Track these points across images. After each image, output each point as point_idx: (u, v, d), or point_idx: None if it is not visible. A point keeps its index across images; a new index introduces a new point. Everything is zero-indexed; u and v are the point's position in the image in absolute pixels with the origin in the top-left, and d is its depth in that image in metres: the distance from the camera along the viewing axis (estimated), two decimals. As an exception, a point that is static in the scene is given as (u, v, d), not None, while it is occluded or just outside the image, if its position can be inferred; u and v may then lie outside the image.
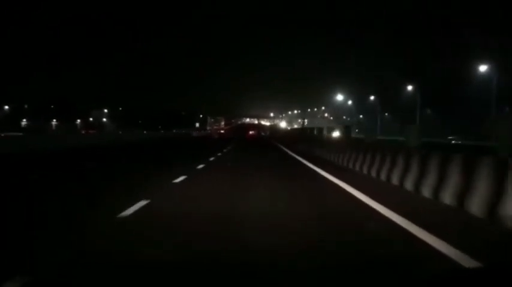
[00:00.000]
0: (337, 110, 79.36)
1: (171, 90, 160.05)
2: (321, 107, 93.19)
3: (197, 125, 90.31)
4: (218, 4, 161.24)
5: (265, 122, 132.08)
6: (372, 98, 58.24)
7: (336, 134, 50.00)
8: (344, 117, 75.59)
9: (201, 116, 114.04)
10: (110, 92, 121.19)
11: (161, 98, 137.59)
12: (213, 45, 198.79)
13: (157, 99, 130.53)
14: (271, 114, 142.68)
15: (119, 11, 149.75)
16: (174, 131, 73.13)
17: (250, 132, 66.26)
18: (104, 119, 76.38)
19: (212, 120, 79.03)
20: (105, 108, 78.57)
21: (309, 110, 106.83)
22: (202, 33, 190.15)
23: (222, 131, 77.03)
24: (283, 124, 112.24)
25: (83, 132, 67.58)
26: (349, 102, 65.29)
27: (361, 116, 71.63)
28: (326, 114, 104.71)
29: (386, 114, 64.77)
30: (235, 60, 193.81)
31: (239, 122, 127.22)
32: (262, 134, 71.99)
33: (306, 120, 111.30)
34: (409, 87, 43.58)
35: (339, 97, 64.73)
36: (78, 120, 69.21)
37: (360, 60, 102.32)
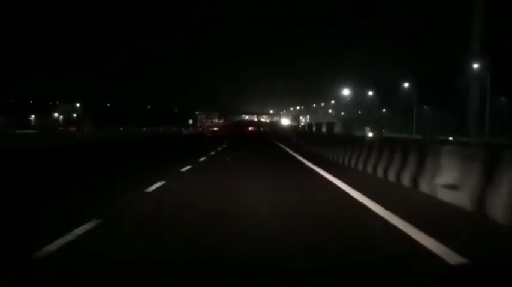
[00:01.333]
0: (349, 105, 70.38)
1: (171, 90, 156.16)
2: (330, 102, 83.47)
3: (190, 122, 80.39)
4: (218, 4, 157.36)
5: (265, 119, 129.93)
6: (407, 85, 47.21)
7: (370, 134, 40.09)
8: (359, 112, 65.89)
9: (196, 113, 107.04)
10: (110, 92, 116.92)
11: (161, 98, 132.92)
12: (213, 45, 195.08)
13: (157, 99, 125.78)
14: (271, 111, 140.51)
15: (119, 11, 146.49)
16: (144, 129, 63.03)
17: (250, 128, 69.45)
18: (74, 115, 64.43)
19: (204, 116, 64.86)
20: (78, 103, 66.22)
21: (314, 105, 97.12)
22: (202, 33, 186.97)
23: (215, 129, 66.43)
24: (285, 121, 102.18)
25: (61, 129, 57.42)
26: (370, 93, 55.65)
27: (384, 110, 61.51)
28: (330, 111, 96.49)
29: (425, 106, 52.41)
30: (235, 60, 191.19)
31: (237, 119, 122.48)
32: (262, 129, 75.97)
33: (308, 117, 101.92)
34: (476, 66, 32.35)
35: (347, 91, 59.65)
36: (33, 116, 58.52)
37: (361, 60, 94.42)
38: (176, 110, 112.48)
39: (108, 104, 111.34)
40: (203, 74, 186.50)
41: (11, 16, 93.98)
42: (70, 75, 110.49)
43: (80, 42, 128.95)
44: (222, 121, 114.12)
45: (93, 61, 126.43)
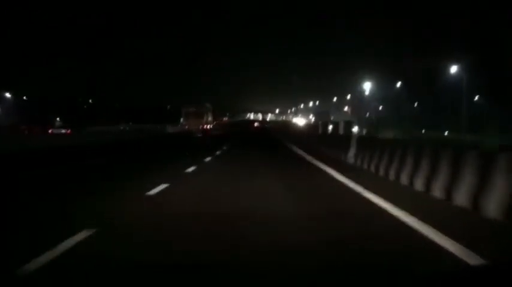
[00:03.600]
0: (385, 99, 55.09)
1: (171, 90, 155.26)
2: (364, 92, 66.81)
3: (182, 120, 66.21)
4: (218, 4, 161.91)
5: (270, 118, 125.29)
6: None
7: None
8: (415, 104, 49.67)
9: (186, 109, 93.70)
10: (109, 92, 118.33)
11: (161, 97, 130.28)
12: (213, 45, 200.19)
13: (157, 99, 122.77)
14: (277, 111, 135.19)
15: (119, 11, 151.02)
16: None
17: (255, 124, 76.87)
18: None
19: (193, 109, 47.11)
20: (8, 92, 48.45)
21: (335, 99, 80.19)
22: (202, 33, 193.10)
23: (208, 127, 50.49)
24: (300, 121, 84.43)
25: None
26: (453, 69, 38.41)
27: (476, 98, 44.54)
28: (346, 108, 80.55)
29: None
30: (235, 60, 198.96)
31: (239, 119, 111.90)
32: (266, 126, 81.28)
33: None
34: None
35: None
36: None
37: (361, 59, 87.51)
38: (169, 107, 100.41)
39: (90, 101, 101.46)
40: (203, 74, 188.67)
41: (11, 16, 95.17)
42: (72, 75, 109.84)
43: (80, 42, 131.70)
44: (226, 119, 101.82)
45: (93, 61, 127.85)
